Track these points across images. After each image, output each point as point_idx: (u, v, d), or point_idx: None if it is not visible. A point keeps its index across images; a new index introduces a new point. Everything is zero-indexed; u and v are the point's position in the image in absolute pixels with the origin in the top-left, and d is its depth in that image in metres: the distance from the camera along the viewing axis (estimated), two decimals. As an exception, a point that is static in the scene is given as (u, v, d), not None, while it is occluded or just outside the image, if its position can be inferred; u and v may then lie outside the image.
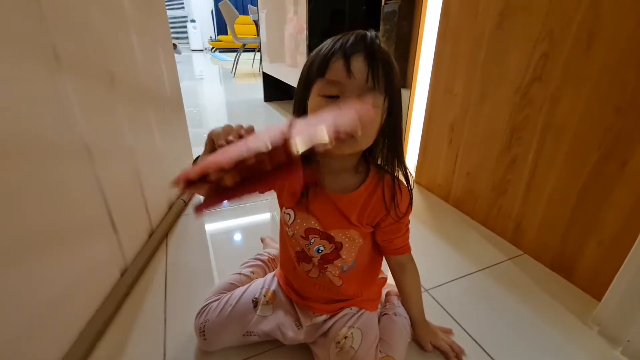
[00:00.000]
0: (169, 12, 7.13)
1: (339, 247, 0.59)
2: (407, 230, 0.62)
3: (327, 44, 0.48)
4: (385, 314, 0.68)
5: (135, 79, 0.91)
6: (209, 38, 7.43)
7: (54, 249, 0.60)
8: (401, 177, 0.57)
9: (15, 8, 0.52)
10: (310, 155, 0.35)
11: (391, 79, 0.47)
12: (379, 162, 0.56)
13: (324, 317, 0.64)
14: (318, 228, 0.57)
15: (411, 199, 0.58)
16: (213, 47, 7.14)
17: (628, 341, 0.66)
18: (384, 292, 0.74)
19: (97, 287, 0.73)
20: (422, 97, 1.27)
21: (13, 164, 0.51)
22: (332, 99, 0.46)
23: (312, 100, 0.49)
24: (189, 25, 7.19)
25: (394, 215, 0.56)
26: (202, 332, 0.64)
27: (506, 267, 0.92)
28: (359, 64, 0.45)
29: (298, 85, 0.52)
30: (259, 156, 0.28)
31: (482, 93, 1.00)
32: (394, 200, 0.55)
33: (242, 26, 4.20)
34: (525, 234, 0.95)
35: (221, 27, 7.33)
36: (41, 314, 0.57)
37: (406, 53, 1.50)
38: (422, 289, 0.82)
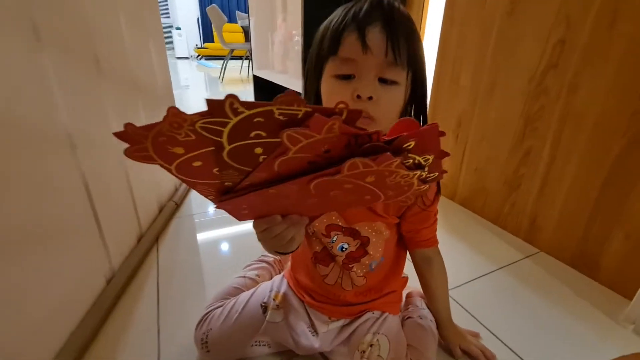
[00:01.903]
0: (154, 20, 7.02)
1: (365, 242, 0.52)
2: (436, 220, 0.56)
3: (337, 14, 0.42)
4: (409, 317, 0.61)
5: (123, 67, 0.83)
6: (195, 45, 7.34)
7: (28, 252, 0.51)
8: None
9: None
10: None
11: (414, 49, 0.41)
12: None
13: (342, 322, 0.56)
14: (340, 224, 0.51)
15: (438, 184, 0.53)
16: (199, 55, 7.05)
17: (670, 339, 0.61)
18: (404, 293, 0.68)
19: (79, 297, 0.63)
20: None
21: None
22: (347, 79, 0.40)
23: (325, 82, 0.43)
24: (174, 32, 7.08)
25: (420, 203, 0.50)
26: (204, 343, 0.56)
27: (524, 265, 0.87)
28: (375, 36, 0.38)
29: (308, 67, 0.46)
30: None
31: (492, 83, 0.97)
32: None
33: (230, 34, 4.15)
34: (542, 230, 0.91)
35: (207, 35, 7.26)
36: (16, 328, 0.48)
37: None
38: (442, 290, 0.76)
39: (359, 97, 0.39)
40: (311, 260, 0.55)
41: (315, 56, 0.44)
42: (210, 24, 4.06)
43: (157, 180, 1.02)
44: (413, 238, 0.55)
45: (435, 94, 1.18)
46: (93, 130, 0.70)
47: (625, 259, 0.74)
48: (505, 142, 0.96)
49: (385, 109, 0.41)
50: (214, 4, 3.97)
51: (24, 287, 0.50)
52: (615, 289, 0.77)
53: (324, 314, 0.57)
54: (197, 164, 0.24)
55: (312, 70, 0.45)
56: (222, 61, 4.38)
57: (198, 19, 7.31)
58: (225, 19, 4.00)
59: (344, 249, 0.53)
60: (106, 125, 0.74)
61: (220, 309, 0.59)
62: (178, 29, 7.12)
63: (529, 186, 0.92)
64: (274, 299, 0.59)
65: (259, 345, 0.57)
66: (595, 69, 0.74)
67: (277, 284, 0.62)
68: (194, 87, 4.13)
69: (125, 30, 0.83)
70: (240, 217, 0.34)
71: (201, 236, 0.97)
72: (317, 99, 0.46)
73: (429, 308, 0.63)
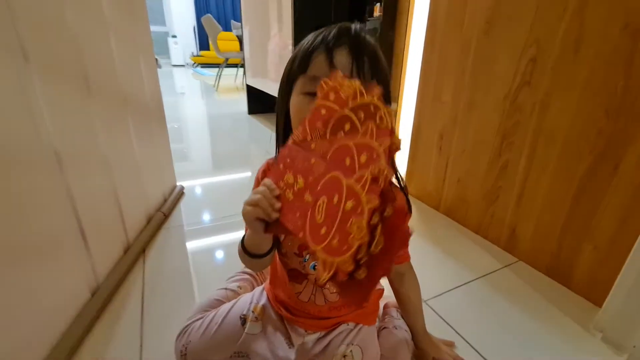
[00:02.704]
0: (151, 28, 7.08)
1: None
2: (406, 237, 0.58)
3: (309, 38, 0.45)
4: (384, 327, 0.63)
5: (112, 85, 0.86)
6: (191, 53, 7.40)
7: (12, 266, 0.53)
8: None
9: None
10: None
11: (379, 72, 0.44)
12: None
13: (317, 334, 0.58)
14: None
15: (409, 204, 0.55)
16: (195, 63, 7.10)
17: (634, 347, 0.64)
18: (381, 304, 0.70)
19: (63, 309, 0.65)
20: (410, 106, 1.27)
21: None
22: (315, 96, 0.43)
23: (294, 98, 0.46)
24: (170, 40, 7.14)
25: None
26: (183, 355, 0.58)
27: (502, 274, 0.89)
28: (342, 57, 0.42)
29: (280, 85, 0.49)
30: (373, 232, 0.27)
31: (471, 100, 1.01)
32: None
33: (225, 42, 4.20)
34: (520, 240, 0.94)
35: (203, 43, 7.32)
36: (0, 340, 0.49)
37: (390, 64, 1.51)
38: (420, 300, 0.78)
39: None
40: (286, 277, 0.57)
41: (287, 75, 0.47)
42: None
43: (145, 192, 1.04)
44: None
45: (420, 110, 1.22)
46: (81, 146, 0.72)
47: (594, 268, 0.77)
48: (484, 156, 0.99)
49: None
50: (208, 14, 4.03)
51: (7, 301, 0.51)
52: (588, 297, 0.80)
53: (300, 327, 0.59)
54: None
55: (283, 87, 0.48)
56: (217, 69, 4.42)
57: (194, 27, 7.38)
58: (220, 28, 4.05)
59: (315, 268, 0.55)
60: (94, 140, 0.76)
61: (200, 321, 0.60)
62: (174, 37, 7.18)
63: (507, 198, 0.95)
64: (253, 311, 0.61)
65: (238, 357, 0.58)
66: (563, 89, 0.78)
67: (257, 296, 0.64)
68: (189, 94, 4.16)
69: (115, 48, 0.85)
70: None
71: (189, 246, 0.99)
72: (287, 115, 0.49)
73: (403, 319, 0.65)
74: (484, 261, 0.95)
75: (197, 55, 7.04)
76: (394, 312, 0.67)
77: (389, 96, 0.49)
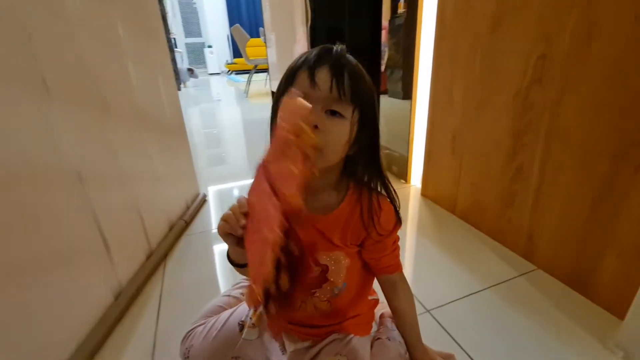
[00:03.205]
0: (188, 40, 7.49)
1: (324, 269, 0.56)
2: (396, 248, 0.58)
3: (295, 59, 0.48)
4: (378, 338, 0.63)
5: (131, 106, 0.94)
6: (225, 61, 7.71)
7: (40, 274, 0.60)
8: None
9: (3, 44, 0.55)
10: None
11: (359, 89, 0.46)
12: (364, 180, 0.54)
13: (308, 343, 0.60)
14: None
15: (398, 214, 0.55)
16: (229, 70, 7.39)
17: (656, 369, 0.58)
18: (377, 314, 0.70)
19: (88, 312, 0.73)
20: (424, 106, 1.24)
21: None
22: None
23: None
24: (206, 50, 7.51)
25: (374, 234, 0.53)
26: (186, 357, 0.62)
27: (517, 283, 0.85)
28: (323, 75, 0.44)
29: (273, 103, 0.52)
30: (282, 247, 0.30)
31: (481, 99, 0.96)
32: (372, 218, 0.52)
33: (253, 48, 4.33)
34: (538, 247, 0.88)
35: (236, 50, 7.58)
36: (29, 340, 0.57)
37: (411, 64, 1.48)
38: (423, 309, 0.77)
39: None
40: None
41: (276, 94, 0.50)
42: (239, 40, 4.30)
43: (167, 202, 1.12)
44: (376, 265, 0.58)
45: (432, 111, 1.18)
46: (100, 164, 0.80)
47: (618, 278, 0.71)
48: (498, 158, 0.94)
49: (330, 139, 0.45)
50: (237, 24, 4.18)
51: (36, 306, 0.59)
52: (611, 309, 0.73)
53: (293, 334, 0.61)
54: None
55: (274, 106, 0.51)
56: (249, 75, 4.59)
57: (228, 36, 7.68)
58: (248, 37, 4.19)
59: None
60: (113, 158, 0.84)
61: (203, 326, 0.65)
62: (209, 47, 7.53)
63: (523, 202, 0.89)
64: (250, 318, 0.64)
65: (236, 361, 0.62)
66: (577, 85, 0.72)
67: (256, 303, 0.67)
68: (225, 101, 4.38)
69: (133, 72, 0.93)
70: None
71: (208, 252, 1.05)
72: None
73: (398, 329, 0.64)
74: (499, 269, 0.90)
75: (231, 63, 7.31)
76: (389, 323, 0.67)
77: (375, 115, 0.50)
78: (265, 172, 0.36)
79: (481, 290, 0.83)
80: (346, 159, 0.51)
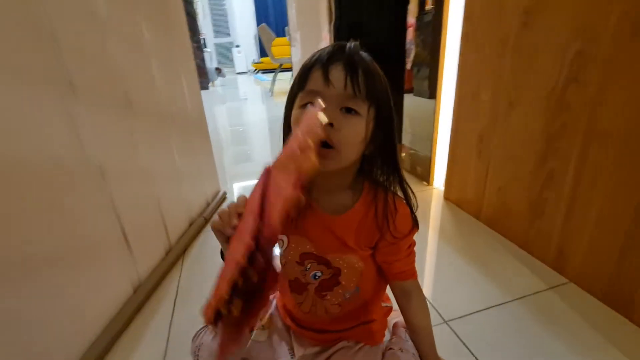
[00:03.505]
0: (217, 40, 7.68)
1: (337, 272, 0.54)
2: (410, 253, 0.55)
3: (309, 58, 0.47)
4: (390, 348, 0.61)
5: (154, 105, 0.96)
6: (252, 60, 7.83)
7: (63, 266, 0.63)
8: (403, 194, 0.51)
9: (32, 46, 0.57)
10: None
11: (374, 86, 0.44)
12: (380, 180, 0.52)
13: (317, 348, 0.58)
14: (314, 252, 0.53)
15: (414, 218, 0.52)
16: (256, 69, 7.51)
17: None
18: (390, 322, 0.67)
19: (108, 304, 0.75)
20: (448, 105, 1.18)
21: (24, 185, 0.55)
22: None
23: (293, 112, 0.47)
24: (234, 50, 7.67)
25: (388, 236, 0.50)
26: (196, 356, 0.62)
27: (546, 297, 0.79)
28: (337, 72, 0.43)
29: (286, 103, 0.51)
30: (244, 272, 0.29)
31: (512, 99, 0.90)
32: (387, 219, 0.49)
33: (279, 47, 4.37)
34: (571, 258, 0.82)
35: (263, 49, 7.69)
36: (50, 329, 0.60)
37: (437, 61, 1.43)
38: (441, 320, 0.73)
39: None
40: (287, 288, 0.58)
41: (290, 92, 0.49)
42: (266, 39, 4.36)
43: (188, 199, 1.14)
44: (388, 270, 0.55)
45: (458, 110, 1.13)
46: (123, 160, 0.82)
47: (663, 300, 0.64)
48: (528, 162, 0.88)
49: (345, 136, 0.44)
50: (263, 24, 4.23)
51: (58, 297, 0.62)
52: (654, 333, 0.67)
53: (304, 338, 0.60)
54: None
55: (287, 104, 0.50)
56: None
57: (255, 35, 7.80)
58: (274, 36, 4.23)
59: (317, 277, 0.55)
60: (135, 155, 0.87)
61: (213, 325, 0.65)
62: (237, 46, 7.68)
63: (554, 211, 0.83)
64: (260, 319, 0.63)
65: (246, 361, 0.61)
66: (620, 83, 0.66)
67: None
68: (250, 99, 4.47)
69: (156, 71, 0.96)
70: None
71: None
72: (289, 129, 0.50)
73: (412, 340, 0.61)
74: (526, 280, 0.85)
75: (258, 62, 7.43)
76: (403, 333, 0.64)
77: (391, 113, 0.48)
78: (267, 177, 0.35)
79: (505, 303, 0.78)
80: (362, 158, 0.49)
